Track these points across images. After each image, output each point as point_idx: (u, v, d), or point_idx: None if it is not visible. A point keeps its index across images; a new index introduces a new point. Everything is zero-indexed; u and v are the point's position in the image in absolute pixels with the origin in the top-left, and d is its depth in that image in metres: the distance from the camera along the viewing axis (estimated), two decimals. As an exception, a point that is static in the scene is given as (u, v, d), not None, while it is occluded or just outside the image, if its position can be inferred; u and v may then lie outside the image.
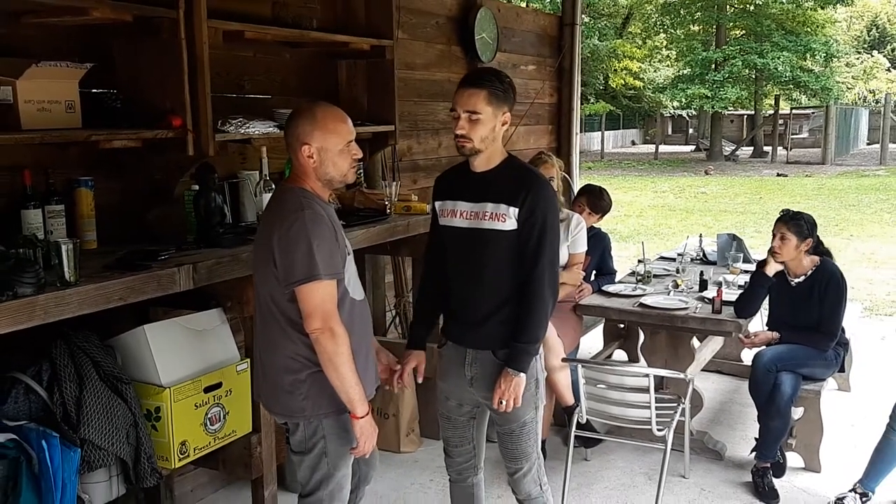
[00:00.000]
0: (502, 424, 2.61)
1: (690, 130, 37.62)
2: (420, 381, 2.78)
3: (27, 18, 2.68)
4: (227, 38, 3.11)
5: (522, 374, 2.47)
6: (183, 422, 2.66)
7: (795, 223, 3.73)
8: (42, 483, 2.28)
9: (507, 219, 2.43)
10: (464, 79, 2.47)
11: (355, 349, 2.33)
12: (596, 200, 4.47)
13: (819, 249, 3.85)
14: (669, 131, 38.31)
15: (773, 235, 3.77)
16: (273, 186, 3.13)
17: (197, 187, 3.02)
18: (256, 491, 3.05)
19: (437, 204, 2.63)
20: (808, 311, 3.76)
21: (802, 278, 3.80)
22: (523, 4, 16.73)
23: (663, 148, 30.93)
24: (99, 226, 2.91)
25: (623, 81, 28.60)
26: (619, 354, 5.58)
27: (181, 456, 2.67)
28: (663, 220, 13.66)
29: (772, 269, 3.76)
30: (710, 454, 4.03)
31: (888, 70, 37.89)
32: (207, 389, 2.75)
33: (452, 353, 2.63)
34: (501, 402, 2.47)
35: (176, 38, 2.83)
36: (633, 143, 38.09)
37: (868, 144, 32.33)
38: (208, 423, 2.76)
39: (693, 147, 33.03)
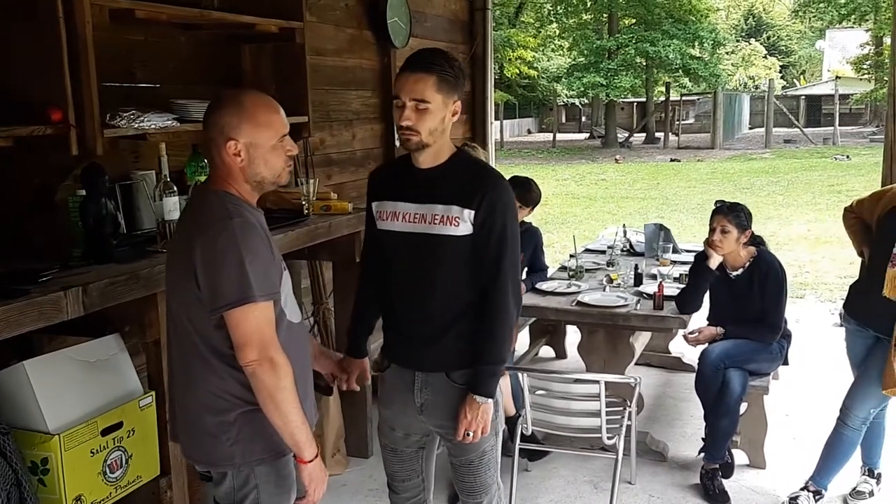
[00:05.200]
0: (459, 456, 2.30)
1: (584, 118, 38.35)
2: (367, 382, 2.45)
3: None
4: (115, 17, 2.66)
5: (490, 400, 2.18)
6: (77, 473, 2.23)
7: (735, 215, 3.58)
8: None
9: (460, 222, 2.13)
10: (408, 62, 2.13)
11: (295, 380, 1.97)
12: (525, 193, 4.21)
13: (754, 239, 3.74)
14: (563, 119, 38.92)
15: (712, 229, 3.61)
16: (174, 188, 2.72)
17: (84, 192, 2.57)
18: (170, 541, 2.64)
19: (373, 205, 2.29)
20: (749, 303, 3.63)
21: (741, 270, 3.67)
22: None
23: (559, 136, 31.35)
24: (-36, 241, 2.44)
25: (518, 70, 28.72)
26: (546, 351, 5.40)
27: (77, 513, 2.24)
28: (568, 209, 13.69)
29: (714, 261, 3.60)
30: (653, 455, 3.86)
31: (765, 57, 39.66)
32: (105, 432, 2.33)
33: (397, 376, 2.30)
34: (468, 434, 2.17)
35: (53, 16, 2.38)
36: (529, 131, 38.51)
37: (750, 129, 33.82)
38: (108, 471, 2.34)
39: (587, 135, 33.64)
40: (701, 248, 3.76)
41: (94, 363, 2.40)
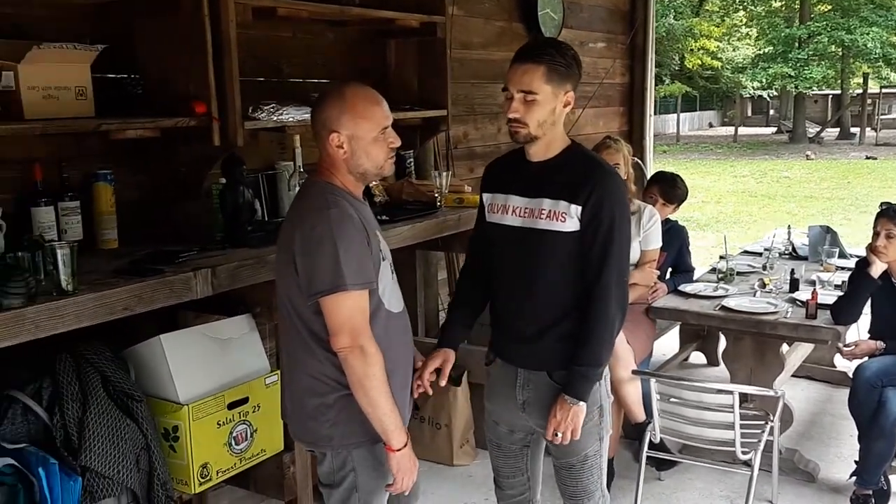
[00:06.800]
0: (560, 458, 2.26)
1: (771, 112, 36.12)
2: (443, 383, 2.35)
3: (36, -5, 2.45)
4: (258, 15, 2.82)
5: (582, 403, 2.12)
6: (204, 442, 2.39)
7: (903, 218, 3.24)
8: (42, 513, 2.04)
9: (567, 218, 2.07)
10: (519, 52, 2.10)
11: (391, 369, 2.02)
12: (669, 189, 4.04)
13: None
14: (749, 113, 36.89)
15: (876, 233, 3.29)
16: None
17: (224, 181, 2.75)
18: (291, 514, 2.78)
19: (485, 197, 2.29)
20: (917, 317, 3.28)
21: (909, 279, 3.32)
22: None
23: (743, 130, 29.77)
24: (121, 223, 2.68)
25: (700, 61, 27.47)
26: (697, 357, 5.15)
27: (202, 480, 2.41)
28: (744, 207, 12.98)
29: (877, 269, 3.27)
30: (800, 475, 3.59)
31: None
32: (232, 405, 2.48)
33: (502, 372, 2.29)
34: (557, 434, 2.12)
35: (199, 15, 2.55)
36: (711, 125, 36.81)
37: (966, 124, 30.42)
38: (233, 443, 2.49)
39: (774, 129, 31.68)
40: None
41: (226, 340, 2.55)
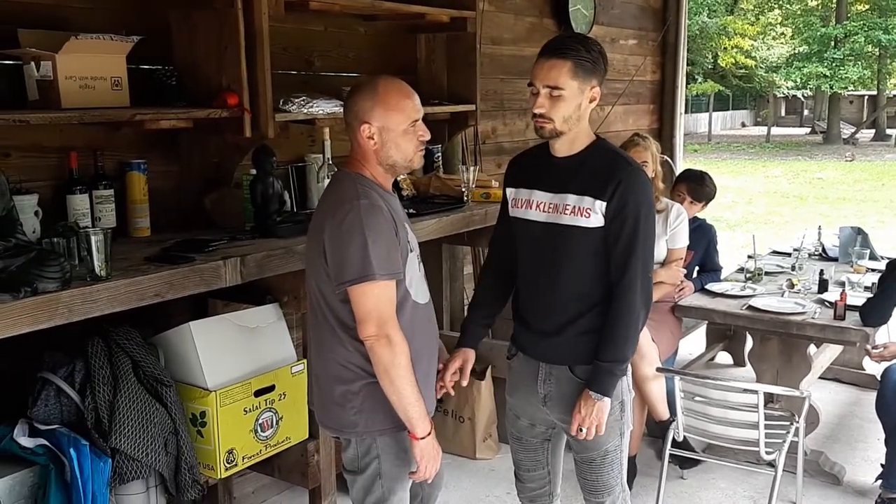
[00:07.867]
0: (580, 452, 2.27)
1: (805, 112, 35.64)
2: (465, 383, 2.38)
3: (74, -13, 2.50)
4: (290, 8, 2.85)
5: (607, 399, 2.12)
6: (230, 428, 2.44)
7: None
8: (73, 493, 2.09)
9: (591, 214, 2.08)
10: (545, 47, 2.10)
11: (415, 359, 2.04)
12: (697, 187, 4.01)
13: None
14: (783, 113, 36.44)
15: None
16: (336, 171, 2.87)
17: (255, 172, 2.79)
18: (314, 502, 2.81)
19: (508, 191, 2.29)
20: (950, 320, 3.24)
21: (943, 282, 3.27)
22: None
23: (776, 130, 29.41)
24: (154, 212, 2.73)
25: (733, 60, 27.16)
26: (724, 357, 5.11)
27: (228, 465, 2.45)
28: (775, 208, 12.83)
29: (908, 271, 3.24)
30: (825, 478, 3.55)
31: None
32: (258, 393, 2.52)
33: (523, 366, 2.30)
34: (581, 430, 2.13)
35: (232, 7, 2.59)
36: (744, 124, 36.42)
37: None
38: (259, 430, 2.53)
39: (808, 129, 31.26)
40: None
41: (254, 329, 2.60)
